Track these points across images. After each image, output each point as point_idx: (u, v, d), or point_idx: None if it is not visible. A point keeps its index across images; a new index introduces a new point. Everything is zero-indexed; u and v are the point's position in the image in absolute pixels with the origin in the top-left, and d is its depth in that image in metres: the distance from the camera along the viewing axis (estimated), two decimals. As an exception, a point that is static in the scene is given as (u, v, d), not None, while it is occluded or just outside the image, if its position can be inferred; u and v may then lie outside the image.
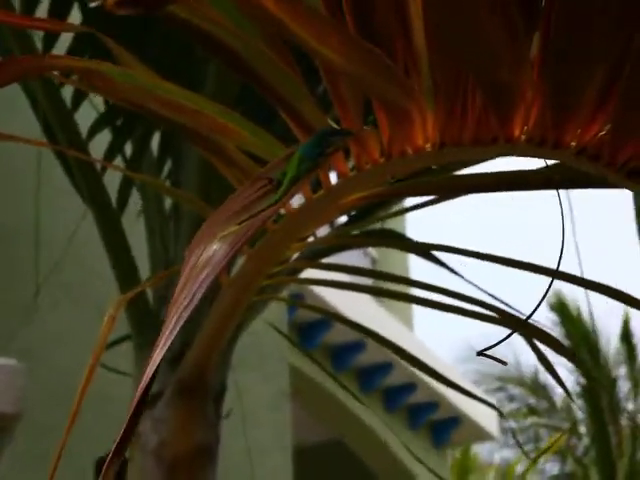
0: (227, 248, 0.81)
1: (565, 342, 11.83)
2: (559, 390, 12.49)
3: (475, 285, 1.64)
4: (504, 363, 0.98)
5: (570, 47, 0.87)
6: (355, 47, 0.87)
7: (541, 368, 1.68)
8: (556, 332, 11.79)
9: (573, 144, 0.96)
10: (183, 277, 0.80)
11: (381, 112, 0.98)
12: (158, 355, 0.74)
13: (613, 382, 12.09)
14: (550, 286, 1.07)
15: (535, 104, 0.93)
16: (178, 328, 0.74)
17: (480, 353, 0.96)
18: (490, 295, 1.59)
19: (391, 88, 0.90)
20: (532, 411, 12.62)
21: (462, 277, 1.72)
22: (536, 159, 1.01)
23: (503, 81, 0.89)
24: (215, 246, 0.81)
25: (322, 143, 0.94)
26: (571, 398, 1.78)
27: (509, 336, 1.01)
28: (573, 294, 12.31)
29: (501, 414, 2.11)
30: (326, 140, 0.94)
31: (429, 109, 0.94)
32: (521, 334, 1.54)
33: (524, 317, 1.36)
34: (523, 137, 0.97)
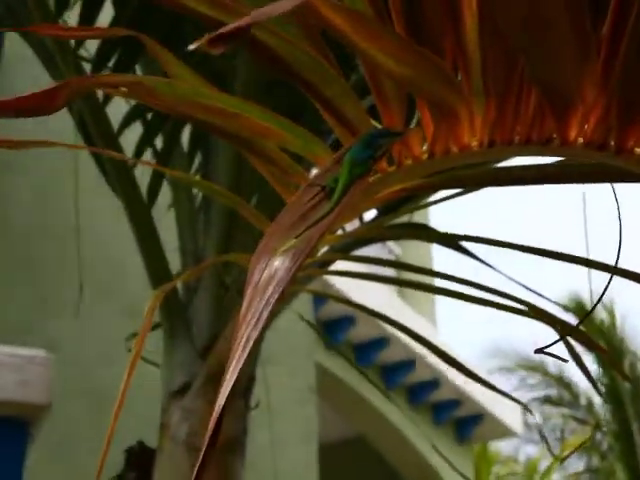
0: (289, 263, 0.78)
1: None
2: (583, 387, 12.43)
3: (509, 277, 1.63)
4: (565, 360, 0.96)
5: None
6: (405, 49, 0.85)
7: (565, 365, 1.68)
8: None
9: (638, 150, 0.91)
10: (248, 296, 0.77)
11: (425, 110, 0.96)
12: (226, 389, 0.71)
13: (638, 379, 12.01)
14: (610, 282, 1.02)
15: (597, 105, 0.89)
16: (247, 352, 0.71)
17: (538, 351, 0.94)
18: (527, 288, 1.58)
19: (440, 89, 0.88)
20: (556, 402, 12.56)
21: (492, 267, 1.72)
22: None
23: (563, 78, 0.85)
24: (277, 261, 0.79)
25: (372, 146, 0.90)
26: (599, 392, 1.76)
27: (561, 338, 0.99)
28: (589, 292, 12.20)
29: (526, 408, 2.10)
30: (375, 142, 0.91)
31: (479, 108, 0.92)
32: (554, 329, 1.53)
33: (552, 311, 1.36)
34: (580, 139, 0.92)
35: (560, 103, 0.88)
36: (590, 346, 1.64)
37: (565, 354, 1.59)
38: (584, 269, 1.36)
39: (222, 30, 0.67)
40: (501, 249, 1.50)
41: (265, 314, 0.73)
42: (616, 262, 1.07)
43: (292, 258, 0.79)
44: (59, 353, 4.45)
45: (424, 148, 0.99)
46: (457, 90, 0.89)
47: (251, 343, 0.71)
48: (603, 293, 0.99)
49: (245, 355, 0.71)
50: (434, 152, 0.97)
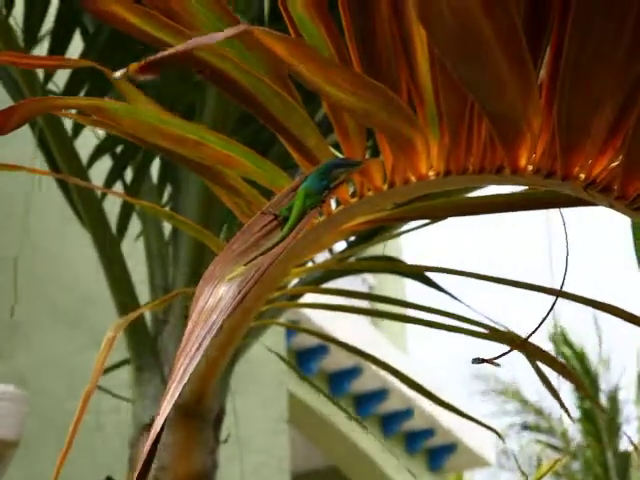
0: (235, 290, 0.78)
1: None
2: (558, 414, 12.48)
3: (467, 305, 1.66)
4: (497, 365, 0.99)
5: (579, 78, 0.86)
6: (360, 85, 0.87)
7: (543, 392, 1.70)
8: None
9: (582, 176, 0.94)
10: (191, 322, 0.77)
11: (384, 141, 0.98)
12: (168, 405, 0.71)
13: (613, 405, 12.08)
14: (554, 305, 1.06)
15: (543, 134, 0.92)
16: (188, 375, 0.72)
17: (476, 361, 0.97)
18: (484, 316, 1.61)
19: (395, 120, 0.90)
20: (533, 429, 12.58)
21: (454, 297, 1.74)
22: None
23: (509, 110, 0.88)
24: (223, 288, 0.79)
25: (328, 176, 0.92)
26: (570, 416, 1.78)
27: (509, 352, 1.02)
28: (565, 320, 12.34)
29: (499, 435, 2.11)
30: (332, 172, 0.92)
31: (433, 138, 0.94)
32: (522, 353, 1.55)
33: (522, 336, 1.38)
34: (530, 167, 0.95)
35: (508, 133, 0.91)
36: (561, 372, 1.65)
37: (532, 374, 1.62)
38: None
39: (152, 57, 0.67)
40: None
41: (207, 341, 0.73)
42: (561, 286, 1.10)
43: (238, 286, 0.79)
44: (25, 386, 4.40)
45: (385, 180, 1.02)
46: (412, 121, 0.92)
47: (191, 369, 0.71)
48: (548, 313, 1.03)
49: (183, 383, 0.70)
50: (394, 182, 1.00)
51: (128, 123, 1.02)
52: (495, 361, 0.98)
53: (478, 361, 0.96)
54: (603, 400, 12.11)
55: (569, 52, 0.85)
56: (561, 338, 12.09)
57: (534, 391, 12.60)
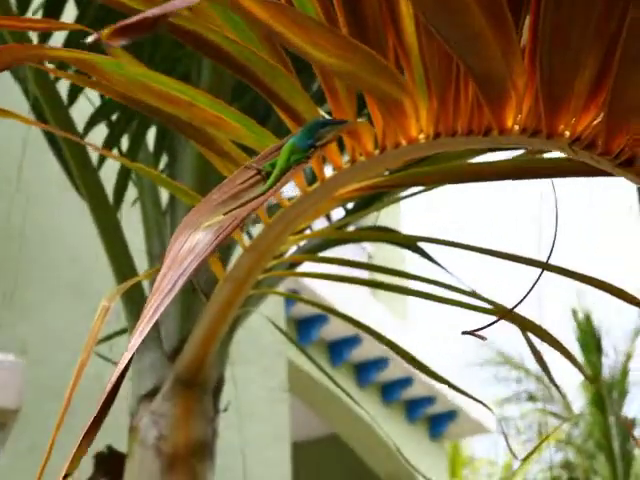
0: (211, 237, 0.79)
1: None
2: (562, 381, 12.55)
3: (458, 278, 1.66)
4: (483, 338, 1.00)
5: (559, 35, 0.87)
6: (346, 48, 0.87)
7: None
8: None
9: (567, 133, 0.96)
10: (165, 265, 0.78)
11: (374, 105, 0.99)
12: (136, 340, 0.73)
13: (623, 374, 12.14)
14: (539, 277, 1.07)
15: (527, 94, 0.94)
16: (157, 315, 0.73)
17: (465, 333, 0.98)
18: (472, 288, 1.61)
19: (383, 83, 0.91)
20: (534, 398, 12.66)
21: (445, 269, 1.74)
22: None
23: (494, 71, 0.89)
24: (199, 235, 0.80)
25: (313, 134, 0.92)
26: (557, 387, 1.79)
27: (495, 322, 1.03)
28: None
29: (487, 407, 2.12)
30: (317, 131, 0.92)
31: (422, 100, 0.95)
32: (514, 325, 1.55)
33: (514, 308, 1.38)
34: (516, 127, 0.96)
35: (493, 93, 0.91)
36: (552, 344, 1.65)
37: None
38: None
39: (123, 22, 0.67)
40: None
41: (180, 284, 0.74)
42: (547, 259, 1.11)
43: (214, 233, 0.80)
44: (28, 355, 4.41)
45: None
46: (400, 83, 0.92)
47: (161, 310, 0.73)
48: (532, 287, 1.04)
49: (152, 322, 0.72)
50: (385, 147, 1.00)
51: (116, 80, 1.02)
52: (495, 333, 0.98)
53: (467, 333, 0.97)
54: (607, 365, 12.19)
55: (546, 10, 0.86)
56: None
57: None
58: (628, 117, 0.90)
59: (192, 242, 0.79)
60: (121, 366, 0.71)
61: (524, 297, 1.03)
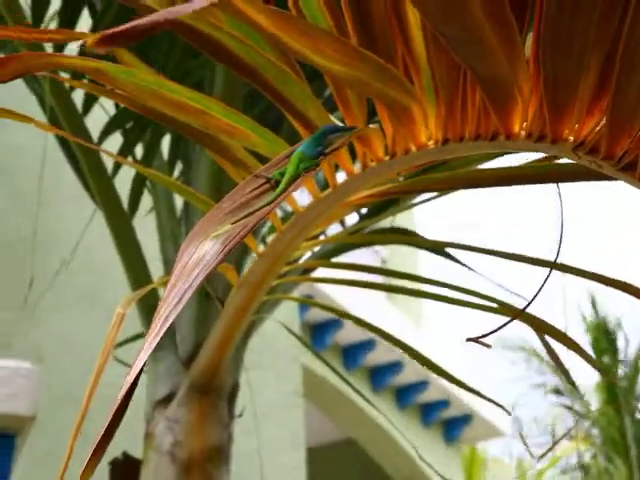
0: (219, 247, 0.79)
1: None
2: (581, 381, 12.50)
3: (482, 276, 1.66)
4: (488, 346, 1.00)
5: (561, 40, 0.88)
6: (355, 57, 0.88)
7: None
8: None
9: (571, 138, 0.97)
10: (174, 276, 0.78)
11: (384, 112, 1.00)
12: (146, 352, 0.73)
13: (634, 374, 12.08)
14: (548, 277, 1.08)
15: (532, 99, 0.95)
16: (167, 327, 0.74)
17: (470, 340, 0.98)
18: (497, 285, 1.61)
19: (392, 91, 0.92)
20: (555, 392, 12.58)
21: (471, 269, 1.74)
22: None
23: (500, 77, 0.90)
24: (207, 245, 0.80)
25: (322, 142, 0.93)
26: (578, 391, 1.78)
27: (507, 323, 1.03)
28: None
29: (505, 410, 2.12)
30: (327, 138, 0.93)
31: (430, 107, 0.96)
32: (530, 327, 1.55)
33: (529, 310, 1.38)
34: (523, 132, 0.98)
35: (499, 98, 0.92)
36: (571, 347, 1.65)
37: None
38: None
39: (115, 30, 0.67)
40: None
41: (188, 295, 0.74)
42: (555, 258, 1.12)
43: (222, 242, 0.80)
44: (44, 362, 4.43)
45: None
46: (408, 90, 0.93)
47: (170, 321, 0.72)
48: (543, 285, 1.04)
49: (162, 333, 0.72)
50: (395, 152, 1.01)
51: (130, 89, 1.03)
52: (502, 335, 0.99)
53: (472, 340, 0.97)
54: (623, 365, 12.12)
55: (548, 12, 0.87)
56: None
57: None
58: (630, 120, 0.91)
59: (200, 252, 0.79)
60: (133, 374, 0.72)
61: (533, 298, 1.03)
